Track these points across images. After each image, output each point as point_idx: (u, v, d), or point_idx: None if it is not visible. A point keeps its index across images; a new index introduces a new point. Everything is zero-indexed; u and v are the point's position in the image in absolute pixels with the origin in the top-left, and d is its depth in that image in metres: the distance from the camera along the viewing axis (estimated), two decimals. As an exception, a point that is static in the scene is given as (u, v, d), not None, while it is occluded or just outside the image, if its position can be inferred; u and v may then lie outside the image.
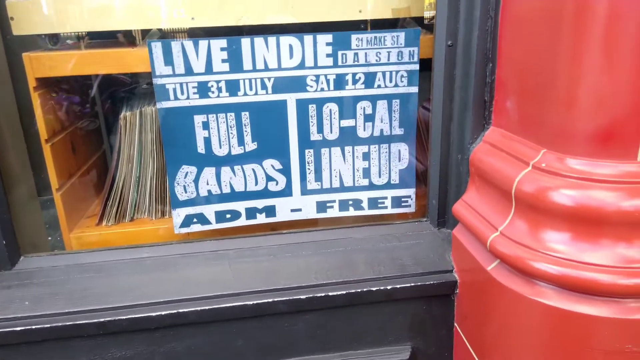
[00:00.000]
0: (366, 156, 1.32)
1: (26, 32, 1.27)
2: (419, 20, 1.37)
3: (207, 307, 1.05)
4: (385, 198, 1.35)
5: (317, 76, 1.25)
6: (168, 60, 1.20)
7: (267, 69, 1.24)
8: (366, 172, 1.33)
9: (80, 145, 1.55)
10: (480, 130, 1.15)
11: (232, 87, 1.24)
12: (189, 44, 1.20)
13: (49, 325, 1.01)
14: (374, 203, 1.35)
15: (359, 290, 1.08)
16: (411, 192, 1.35)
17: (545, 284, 0.88)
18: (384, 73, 1.26)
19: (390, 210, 1.35)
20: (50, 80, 1.36)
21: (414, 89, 1.28)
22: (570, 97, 0.86)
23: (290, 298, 1.07)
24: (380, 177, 1.33)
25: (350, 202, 1.35)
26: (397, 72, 1.26)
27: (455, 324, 1.18)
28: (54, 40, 1.37)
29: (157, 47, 1.19)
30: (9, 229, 1.17)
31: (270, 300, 1.07)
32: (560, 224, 0.87)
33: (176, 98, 1.23)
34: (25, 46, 1.32)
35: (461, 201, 1.14)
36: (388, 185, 1.34)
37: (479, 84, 1.13)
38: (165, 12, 1.29)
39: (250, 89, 1.25)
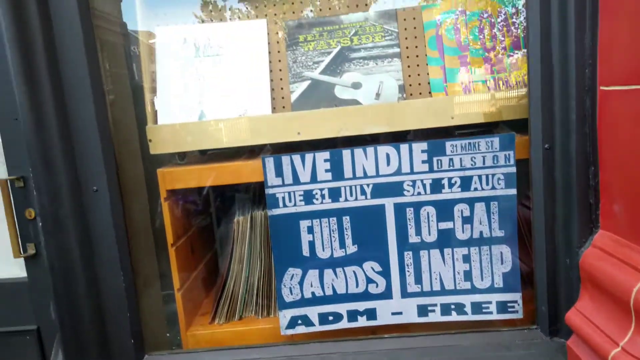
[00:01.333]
0: (466, 258, 1.31)
1: (161, 151, 1.49)
2: (512, 123, 1.40)
3: (313, 414, 1.06)
4: (490, 303, 1.31)
5: (414, 181, 1.32)
6: (278, 172, 1.34)
7: (365, 176, 1.33)
8: (467, 275, 1.32)
9: (197, 246, 1.72)
10: (588, 233, 1.12)
11: (334, 194, 1.34)
12: (296, 158, 1.33)
13: None
14: (477, 308, 1.32)
15: (469, 405, 1.04)
16: (517, 296, 1.30)
17: (683, 411, 0.80)
18: (480, 176, 1.29)
19: (495, 316, 1.31)
20: (177, 190, 1.56)
21: (512, 191, 1.28)
22: (686, 205, 0.83)
23: (396, 409, 1.05)
24: (482, 280, 1.31)
25: (453, 306, 1.33)
26: (493, 175, 1.29)
27: None
28: (182, 156, 1.60)
29: (269, 161, 1.34)
30: (137, 329, 1.31)
31: (375, 410, 1.06)
32: (693, 342, 0.80)
33: (285, 205, 1.35)
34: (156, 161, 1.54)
35: (574, 310, 1.08)
36: (492, 289, 1.31)
37: (581, 186, 1.12)
38: (275, 129, 1.45)
39: (351, 195, 1.34)
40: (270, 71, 1.53)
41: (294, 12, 1.56)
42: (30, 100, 1.22)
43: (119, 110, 1.52)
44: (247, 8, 1.59)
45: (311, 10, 1.56)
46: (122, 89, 1.58)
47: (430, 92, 1.49)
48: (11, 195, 1.30)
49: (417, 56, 1.51)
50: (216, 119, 1.47)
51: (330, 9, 1.55)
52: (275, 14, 1.56)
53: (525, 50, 1.42)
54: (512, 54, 1.44)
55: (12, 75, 1.19)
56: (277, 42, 1.55)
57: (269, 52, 1.53)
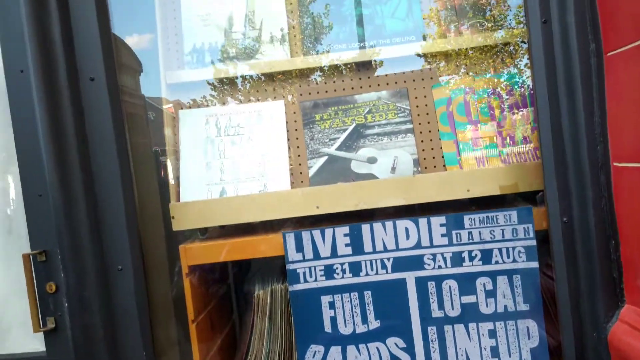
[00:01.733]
0: (492, 334, 1.30)
1: (183, 227, 1.52)
2: (529, 195, 1.43)
3: None
4: (519, 380, 1.29)
5: (434, 255, 1.33)
6: (299, 247, 1.36)
7: (385, 250, 1.35)
8: (494, 351, 1.29)
9: (216, 319, 1.71)
10: (615, 307, 1.11)
11: (355, 269, 1.35)
12: (316, 233, 1.36)
13: None
14: (506, 385, 1.29)
15: None
16: (546, 372, 1.28)
17: None
18: (500, 249, 1.30)
19: (525, 394, 1.28)
20: (198, 265, 1.58)
21: (534, 264, 1.29)
22: None
23: None
24: (510, 356, 1.29)
25: (481, 384, 1.30)
26: (514, 248, 1.30)
27: None
28: (203, 231, 1.63)
29: (290, 237, 1.36)
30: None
31: None
32: None
33: (305, 281, 1.36)
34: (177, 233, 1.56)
35: (607, 388, 1.06)
36: (519, 365, 1.29)
37: (603, 260, 1.13)
38: (294, 204, 1.48)
39: (372, 269, 1.35)
40: (289, 148, 1.59)
41: (310, 93, 1.64)
42: (59, 178, 1.27)
43: (143, 186, 1.57)
44: (265, 90, 1.68)
45: (326, 91, 1.64)
46: (146, 165, 1.64)
47: (444, 166, 1.53)
48: (33, 269, 1.32)
49: (429, 131, 1.57)
50: (237, 196, 1.52)
51: (344, 89, 1.64)
52: (292, 95, 1.65)
53: (532, 109, 1.48)
54: (523, 127, 1.50)
55: (42, 153, 1.26)
56: (295, 121, 1.63)
57: (287, 131, 1.60)
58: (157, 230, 1.57)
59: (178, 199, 1.55)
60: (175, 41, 1.67)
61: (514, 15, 1.59)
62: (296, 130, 1.62)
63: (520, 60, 1.60)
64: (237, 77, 1.66)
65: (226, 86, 1.69)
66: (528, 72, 1.55)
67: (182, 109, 1.65)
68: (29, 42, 1.25)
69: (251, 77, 1.68)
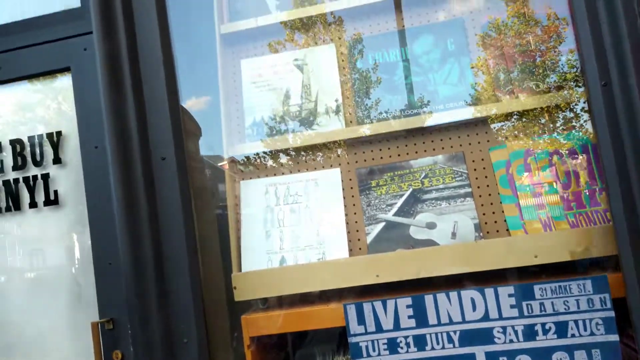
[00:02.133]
0: (574, 416, 1.20)
1: (245, 298, 1.53)
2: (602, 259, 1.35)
3: None
4: None
5: (504, 327, 1.26)
6: (360, 320, 1.34)
7: (451, 322, 1.30)
8: None
9: (276, 393, 1.69)
10: None
11: (420, 342, 1.30)
12: (378, 305, 1.33)
13: None
14: None
15: None
16: None
17: None
18: (576, 322, 1.22)
19: None
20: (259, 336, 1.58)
21: (614, 337, 1.20)
22: None
23: None
24: None
25: None
26: (590, 319, 1.22)
27: None
28: (264, 300, 1.64)
29: (351, 309, 1.35)
30: None
31: None
32: None
33: (368, 355, 1.32)
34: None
35: None
36: None
37: (696, 335, 1.03)
38: (354, 272, 1.47)
39: (437, 343, 1.30)
40: (346, 215, 1.61)
41: (365, 160, 1.67)
42: (130, 248, 1.34)
43: (207, 257, 1.61)
44: (321, 156, 1.72)
45: (381, 157, 1.66)
46: (206, 230, 1.69)
47: (507, 230, 1.49)
48: (100, 336, 1.36)
49: (489, 195, 1.54)
50: (296, 265, 1.53)
51: (399, 155, 1.65)
52: (348, 163, 1.68)
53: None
54: (590, 189, 1.44)
55: (116, 224, 1.34)
56: (351, 188, 1.65)
57: (344, 197, 1.62)
58: (220, 302, 1.60)
59: (239, 268, 1.58)
60: (237, 116, 1.77)
61: (566, 61, 1.56)
62: (352, 196, 1.64)
63: (576, 105, 1.55)
64: (293, 148, 1.72)
65: (282, 152, 1.75)
66: (586, 116, 1.51)
67: (238, 172, 1.72)
68: (107, 123, 1.37)
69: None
